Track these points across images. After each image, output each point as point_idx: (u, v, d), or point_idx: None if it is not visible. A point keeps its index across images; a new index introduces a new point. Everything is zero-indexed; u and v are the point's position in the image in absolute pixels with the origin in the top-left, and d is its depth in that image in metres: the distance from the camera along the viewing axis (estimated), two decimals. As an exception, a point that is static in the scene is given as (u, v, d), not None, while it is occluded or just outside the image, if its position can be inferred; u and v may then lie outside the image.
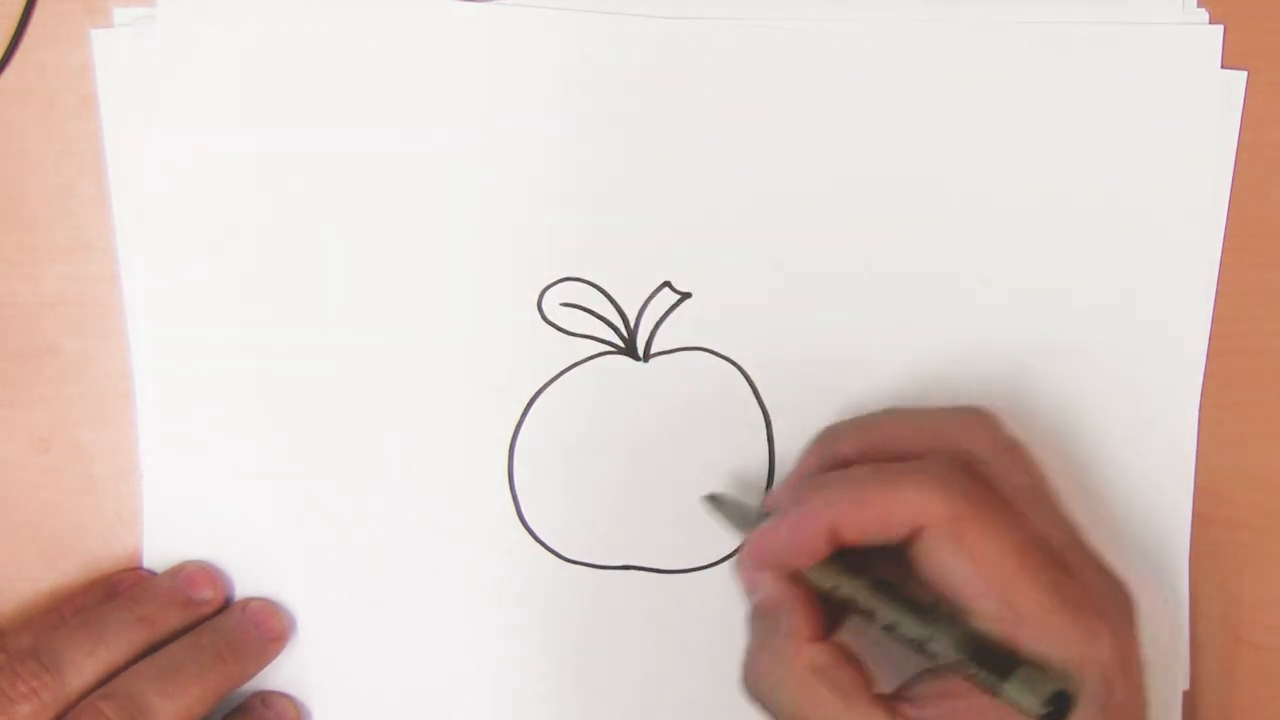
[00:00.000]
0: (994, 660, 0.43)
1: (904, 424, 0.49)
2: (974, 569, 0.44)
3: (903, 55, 0.53)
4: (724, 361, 0.53)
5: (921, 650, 0.44)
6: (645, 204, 0.53)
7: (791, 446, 0.53)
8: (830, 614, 0.47)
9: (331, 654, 0.53)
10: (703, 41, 0.52)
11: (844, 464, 0.48)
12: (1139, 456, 0.54)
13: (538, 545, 0.53)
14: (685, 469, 0.53)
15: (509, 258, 0.52)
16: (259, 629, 0.51)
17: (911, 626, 0.44)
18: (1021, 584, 0.43)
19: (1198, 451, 0.54)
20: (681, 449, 0.53)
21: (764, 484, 0.53)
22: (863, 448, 0.48)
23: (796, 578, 0.47)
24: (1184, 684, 0.55)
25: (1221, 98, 0.53)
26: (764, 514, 0.49)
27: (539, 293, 0.53)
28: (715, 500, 0.52)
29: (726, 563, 0.53)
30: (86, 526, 0.53)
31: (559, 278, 0.53)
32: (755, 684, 0.47)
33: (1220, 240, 0.54)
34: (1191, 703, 0.55)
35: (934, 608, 0.45)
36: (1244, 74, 0.53)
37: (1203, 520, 0.55)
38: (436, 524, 0.53)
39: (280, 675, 0.53)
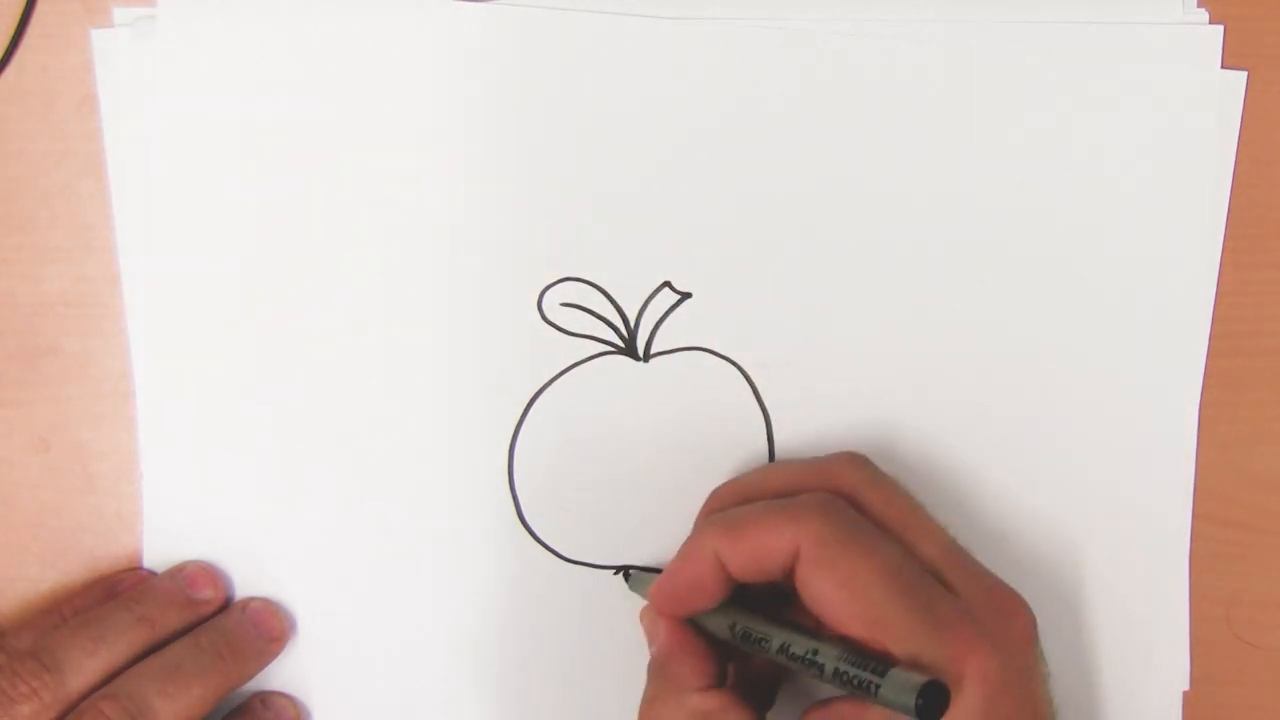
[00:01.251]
0: (871, 666, 0.44)
1: (780, 472, 0.51)
2: (841, 591, 0.45)
3: (903, 55, 0.53)
4: (724, 361, 0.53)
5: (811, 666, 0.45)
6: (645, 204, 0.53)
7: (791, 446, 0.53)
8: (725, 663, 0.49)
9: (331, 654, 0.53)
10: (703, 41, 0.52)
11: None
12: (1139, 456, 0.54)
13: (538, 545, 0.53)
14: (685, 469, 0.53)
15: (509, 258, 0.52)
16: (259, 629, 0.51)
17: (800, 643, 0.46)
18: (888, 605, 0.44)
19: (1198, 451, 0.54)
20: (681, 449, 0.53)
21: (764, 484, 0.53)
22: (743, 500, 0.50)
23: (693, 628, 0.49)
24: (1184, 684, 0.55)
25: (1221, 98, 0.53)
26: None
27: (539, 293, 0.53)
28: (634, 580, 0.53)
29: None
30: (86, 526, 0.53)
31: (559, 278, 0.53)
32: None
33: (1220, 240, 0.54)
34: (1191, 703, 0.55)
35: (813, 633, 0.46)
36: (1244, 74, 0.53)
37: (1203, 520, 0.55)
38: (436, 524, 0.53)
39: (280, 675, 0.53)
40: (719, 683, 0.48)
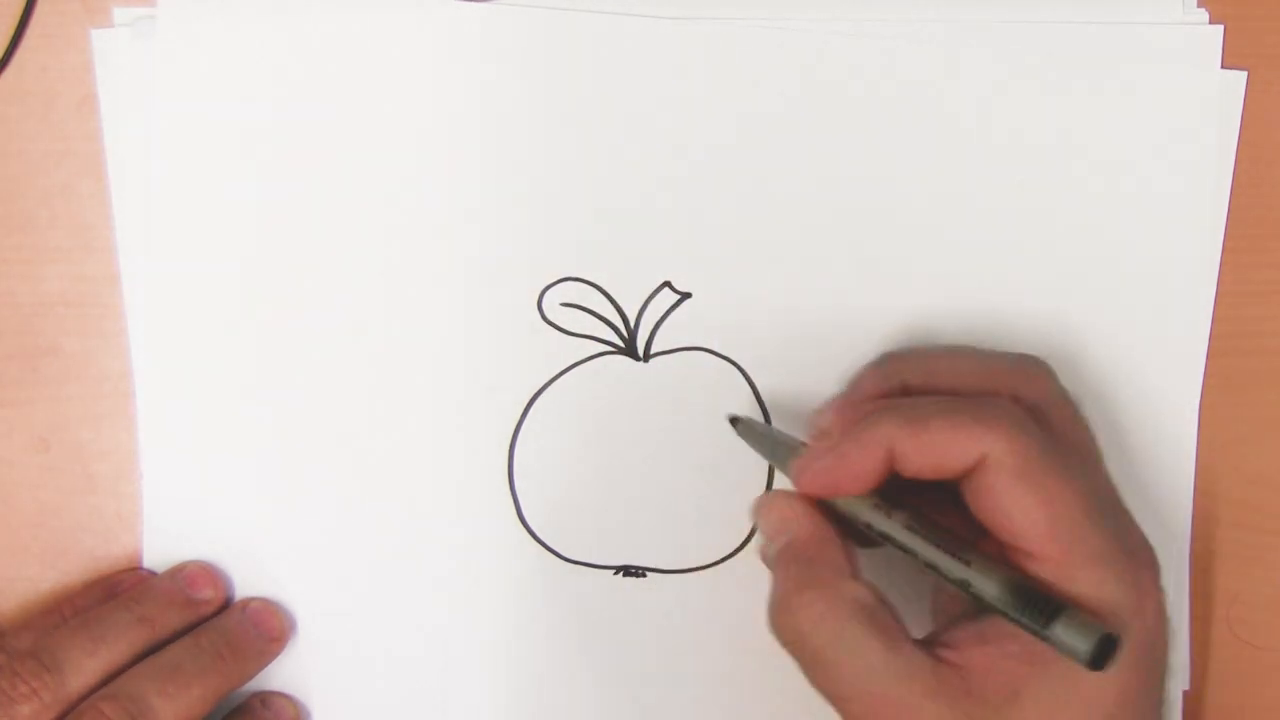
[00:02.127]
0: (1039, 603, 0.42)
1: (965, 362, 0.49)
2: (1042, 509, 0.43)
3: (902, 55, 0.53)
4: (724, 361, 0.53)
5: (964, 590, 0.44)
6: (645, 204, 0.53)
7: (791, 446, 0.53)
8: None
9: (331, 654, 0.53)
10: (703, 41, 0.52)
11: (904, 392, 0.48)
12: (1139, 456, 0.54)
13: (538, 545, 0.53)
14: (685, 469, 0.53)
15: (509, 258, 0.52)
16: (259, 629, 0.51)
17: (953, 568, 0.44)
18: (1086, 529, 0.43)
19: (1198, 451, 0.54)
20: (681, 449, 0.53)
21: (763, 485, 0.53)
22: (924, 379, 0.48)
23: (828, 514, 0.47)
24: (1184, 684, 0.55)
25: (1221, 98, 0.53)
26: (799, 443, 0.49)
27: (539, 293, 0.53)
28: (742, 425, 0.52)
29: (727, 563, 0.53)
30: (86, 526, 0.53)
31: (559, 277, 0.53)
32: (789, 624, 0.45)
33: (1220, 240, 0.54)
34: (1191, 703, 0.55)
35: (971, 546, 0.44)
36: (1244, 74, 0.53)
37: (1203, 520, 0.55)
38: (436, 524, 0.53)
39: (280, 675, 0.53)
40: (860, 575, 0.46)
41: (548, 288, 0.53)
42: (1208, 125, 0.53)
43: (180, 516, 0.52)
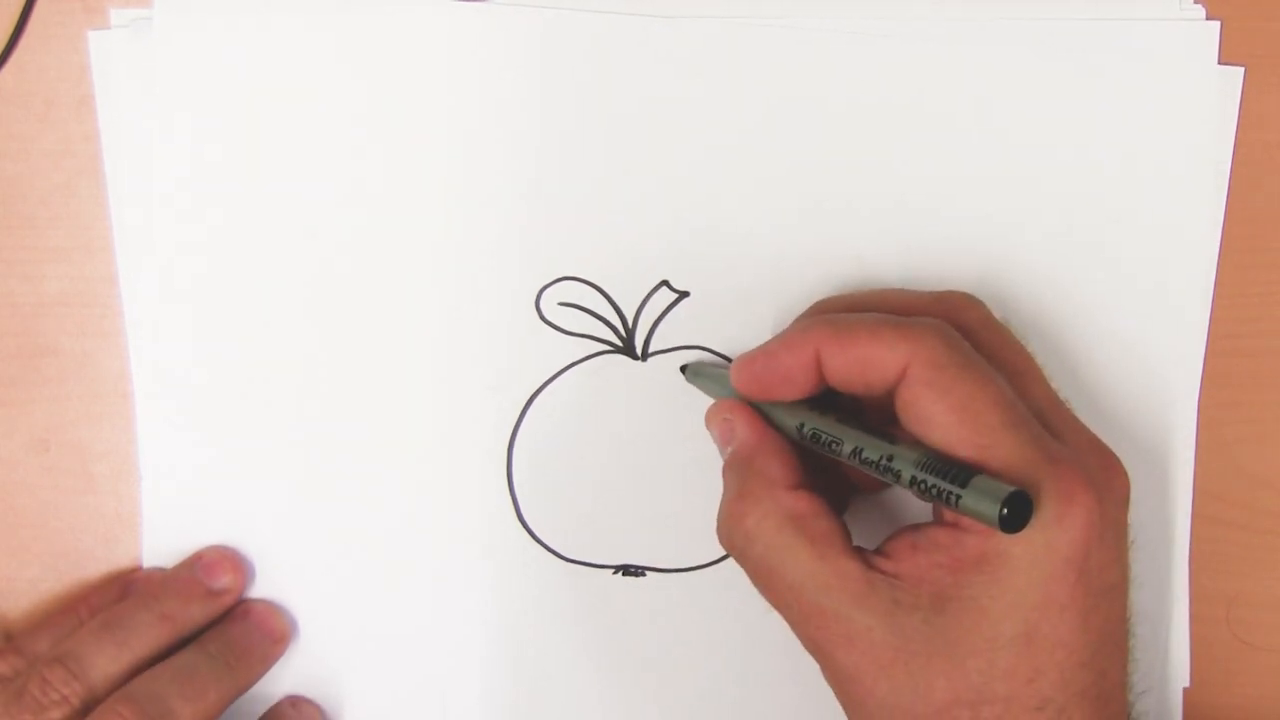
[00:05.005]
0: (954, 469, 0.42)
1: (893, 295, 0.50)
2: (953, 415, 0.43)
3: (900, 54, 0.53)
4: (723, 360, 0.53)
5: (887, 472, 0.44)
6: (643, 203, 0.53)
7: (790, 445, 0.53)
8: (806, 472, 0.47)
9: (330, 654, 0.53)
10: (702, 41, 0.52)
11: None
12: (1139, 457, 0.54)
13: (537, 545, 0.53)
14: (684, 468, 0.53)
15: (507, 257, 0.52)
16: (262, 631, 0.52)
17: (874, 447, 0.44)
18: (1000, 435, 0.43)
19: (1197, 451, 0.54)
20: (680, 448, 0.53)
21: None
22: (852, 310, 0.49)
23: (770, 429, 0.48)
24: (1184, 683, 0.55)
25: (1218, 94, 0.53)
26: None
27: (537, 292, 0.53)
28: (691, 370, 0.52)
29: (727, 562, 0.53)
30: (86, 526, 0.53)
31: (557, 277, 0.53)
32: (730, 533, 0.47)
33: (1218, 238, 0.54)
34: (1191, 703, 0.55)
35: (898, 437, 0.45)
36: (1241, 70, 0.53)
37: (1203, 520, 0.55)
38: (435, 524, 0.53)
39: (280, 676, 0.53)
40: (804, 487, 0.47)
41: (545, 287, 0.53)
42: (1205, 122, 0.53)
43: (179, 517, 0.53)
